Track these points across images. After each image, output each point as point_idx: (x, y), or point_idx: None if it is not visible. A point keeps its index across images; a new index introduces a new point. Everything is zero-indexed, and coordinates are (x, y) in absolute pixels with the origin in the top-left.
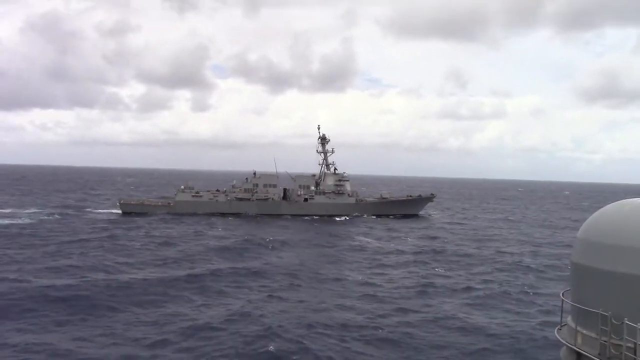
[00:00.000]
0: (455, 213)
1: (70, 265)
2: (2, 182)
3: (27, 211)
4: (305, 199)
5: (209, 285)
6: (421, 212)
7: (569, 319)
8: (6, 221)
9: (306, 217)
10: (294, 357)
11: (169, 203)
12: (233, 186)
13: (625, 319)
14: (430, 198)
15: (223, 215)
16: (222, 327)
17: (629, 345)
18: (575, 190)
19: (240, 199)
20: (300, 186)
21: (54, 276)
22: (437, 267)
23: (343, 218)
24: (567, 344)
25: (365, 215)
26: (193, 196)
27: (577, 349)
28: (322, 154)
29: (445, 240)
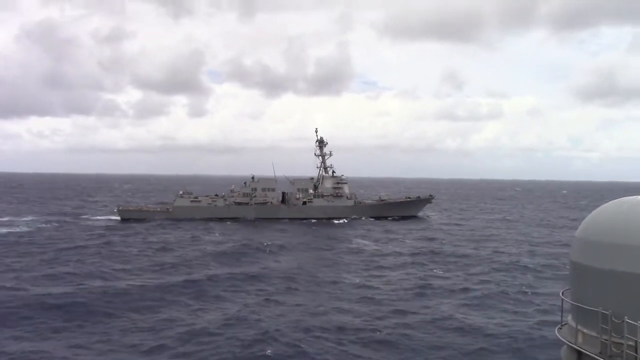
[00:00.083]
0: (453, 214)
1: (67, 272)
2: None
3: (24, 219)
4: (304, 203)
5: (206, 290)
6: (420, 214)
7: (569, 318)
8: (4, 230)
9: (305, 221)
10: None
11: (167, 209)
12: (231, 191)
13: (626, 317)
14: (428, 199)
15: (222, 220)
16: (219, 332)
17: (630, 343)
18: (573, 189)
19: (239, 204)
20: (298, 190)
21: (51, 284)
22: (435, 269)
23: (342, 221)
24: (567, 343)
25: (364, 218)
26: (191, 201)
27: (578, 348)
28: (320, 157)
29: (443, 241)
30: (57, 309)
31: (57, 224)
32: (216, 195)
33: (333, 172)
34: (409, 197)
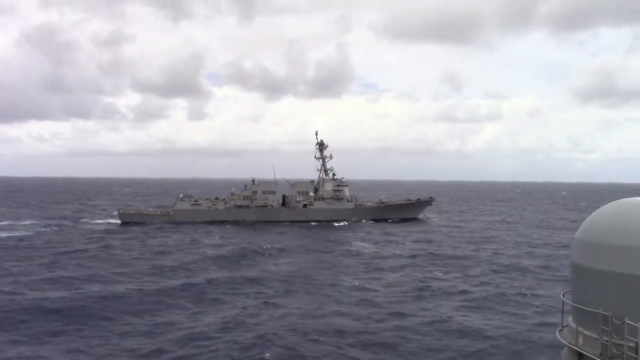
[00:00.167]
0: (453, 216)
1: (66, 276)
2: None
3: (23, 223)
4: (305, 205)
5: (205, 294)
6: (420, 216)
7: (569, 320)
8: (3, 234)
9: (305, 223)
10: None
11: (168, 212)
12: (232, 194)
13: (626, 318)
14: (429, 201)
15: (222, 223)
16: (218, 336)
17: (631, 344)
18: (573, 191)
19: (239, 207)
20: (299, 192)
21: (49, 287)
22: (435, 270)
23: (342, 223)
24: (568, 344)
25: (364, 220)
26: (192, 205)
27: (579, 350)
28: (320, 160)
29: (443, 243)
30: (56, 313)
31: (56, 228)
32: (216, 198)
33: (333, 174)
34: (409, 200)
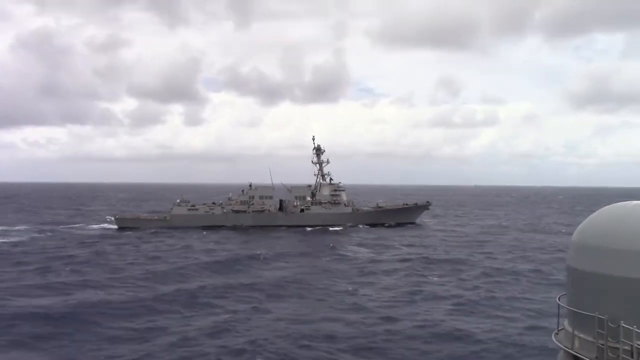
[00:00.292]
0: (449, 220)
1: (59, 281)
2: None
3: (17, 228)
4: (302, 210)
5: (197, 299)
6: (417, 220)
7: (565, 323)
8: None
9: (302, 228)
10: None
11: (165, 217)
12: (229, 198)
13: (622, 321)
14: (425, 206)
15: (219, 227)
16: (209, 341)
17: (626, 348)
18: (569, 195)
19: (237, 211)
20: (296, 197)
21: (41, 293)
22: (429, 275)
23: (338, 228)
24: (564, 348)
25: (361, 225)
26: (189, 209)
27: (575, 353)
28: (318, 165)
29: (437, 248)
30: (47, 318)
31: (50, 233)
32: (214, 203)
33: (330, 179)
34: (407, 204)
